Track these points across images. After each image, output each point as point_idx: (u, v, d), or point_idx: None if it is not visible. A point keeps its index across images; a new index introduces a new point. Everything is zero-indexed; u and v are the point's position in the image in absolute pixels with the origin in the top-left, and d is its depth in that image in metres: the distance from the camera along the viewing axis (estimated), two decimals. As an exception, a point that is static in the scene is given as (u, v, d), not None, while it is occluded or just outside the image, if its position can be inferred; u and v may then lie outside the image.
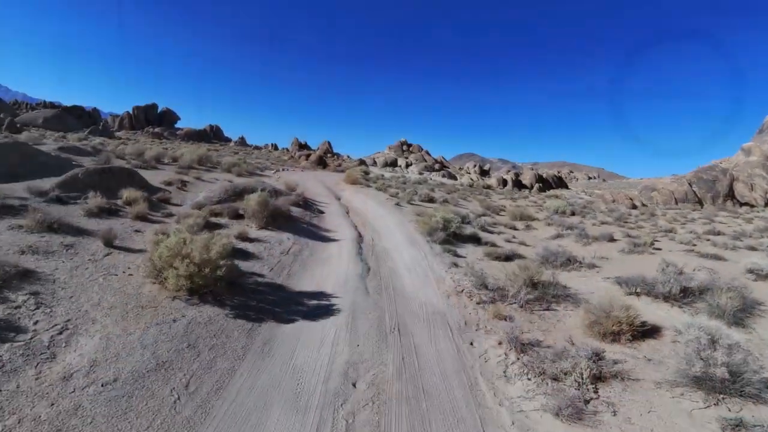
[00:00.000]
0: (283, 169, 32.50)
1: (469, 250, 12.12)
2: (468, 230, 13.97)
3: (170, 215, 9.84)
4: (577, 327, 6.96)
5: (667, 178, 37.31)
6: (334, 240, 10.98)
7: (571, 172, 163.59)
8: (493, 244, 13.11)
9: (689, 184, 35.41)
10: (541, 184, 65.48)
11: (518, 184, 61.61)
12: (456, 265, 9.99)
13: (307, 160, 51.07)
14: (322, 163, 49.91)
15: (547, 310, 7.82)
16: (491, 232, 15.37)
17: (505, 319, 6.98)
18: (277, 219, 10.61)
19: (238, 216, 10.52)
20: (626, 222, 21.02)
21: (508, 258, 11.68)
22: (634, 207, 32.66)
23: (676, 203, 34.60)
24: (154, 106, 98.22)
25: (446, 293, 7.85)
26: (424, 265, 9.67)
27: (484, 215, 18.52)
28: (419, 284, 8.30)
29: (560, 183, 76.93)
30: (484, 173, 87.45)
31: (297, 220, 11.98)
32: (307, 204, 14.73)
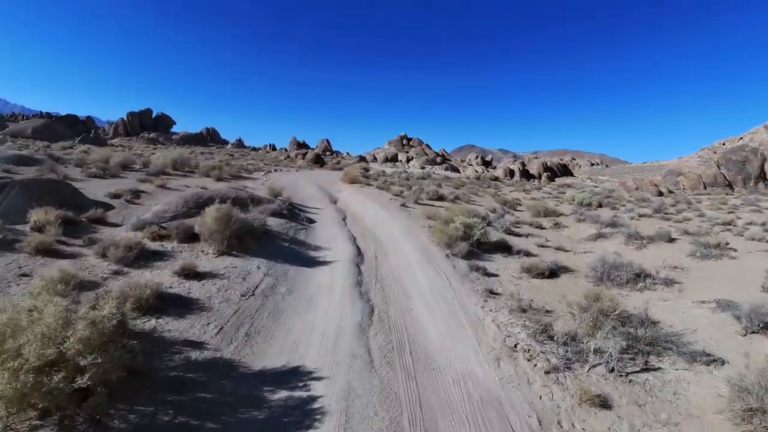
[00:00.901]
0: (275, 170, 29.68)
1: (500, 264, 9.40)
2: (493, 235, 11.23)
3: (95, 242, 7.10)
4: (717, 411, 4.25)
5: (692, 160, 34.34)
6: (324, 262, 8.24)
7: (574, 159, 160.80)
8: (528, 253, 10.38)
9: (717, 166, 32.40)
10: (548, 173, 62.54)
11: (526, 174, 58.77)
12: (492, 293, 7.24)
13: (303, 159, 48.39)
14: (319, 161, 47.23)
15: (646, 370, 5.09)
16: (518, 235, 12.64)
17: (602, 406, 4.27)
18: (245, 239, 7.85)
19: (192, 237, 7.78)
20: (668, 213, 18.14)
21: (553, 273, 8.97)
22: (661, 194, 29.75)
23: (705, 188, 31.64)
24: (148, 112, 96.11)
25: (493, 352, 5.10)
26: (448, 297, 6.91)
27: (505, 214, 15.74)
28: (448, 335, 5.55)
29: (565, 171, 73.94)
30: (486, 164, 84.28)
31: (276, 236, 9.22)
32: (293, 212, 11.98)
